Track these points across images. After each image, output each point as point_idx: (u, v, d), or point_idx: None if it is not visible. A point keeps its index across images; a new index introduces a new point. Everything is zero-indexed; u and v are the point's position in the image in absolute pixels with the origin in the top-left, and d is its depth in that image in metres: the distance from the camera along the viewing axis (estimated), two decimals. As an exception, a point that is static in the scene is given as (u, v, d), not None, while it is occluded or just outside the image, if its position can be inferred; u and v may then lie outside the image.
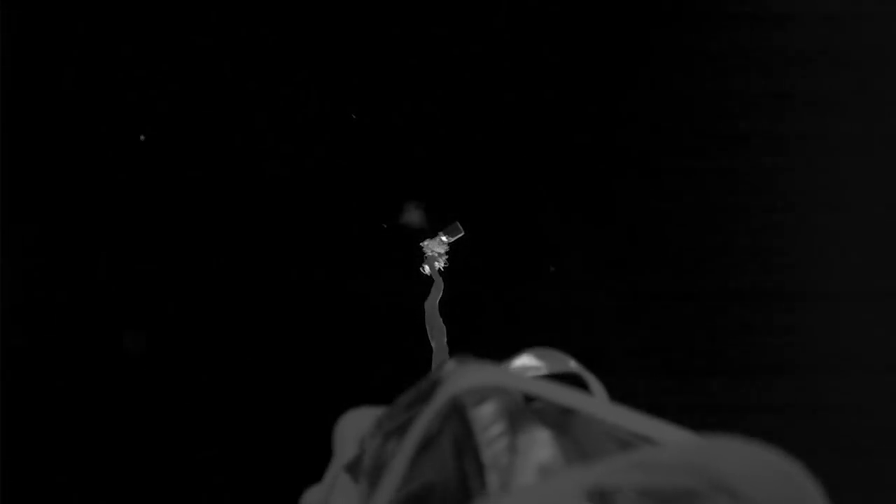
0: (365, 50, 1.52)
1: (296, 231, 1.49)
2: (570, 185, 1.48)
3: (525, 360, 0.76)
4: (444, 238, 1.35)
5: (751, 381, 1.43)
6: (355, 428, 0.76)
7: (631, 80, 1.53)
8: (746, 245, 1.48)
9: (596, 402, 0.65)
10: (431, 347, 1.36)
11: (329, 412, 1.35)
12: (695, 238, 1.49)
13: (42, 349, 1.44)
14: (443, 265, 1.35)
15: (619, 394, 1.48)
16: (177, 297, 1.47)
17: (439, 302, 1.35)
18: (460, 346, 1.39)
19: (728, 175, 1.52)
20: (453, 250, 1.45)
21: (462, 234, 1.38)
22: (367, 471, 0.70)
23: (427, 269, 1.35)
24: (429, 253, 1.36)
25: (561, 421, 0.67)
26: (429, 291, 1.41)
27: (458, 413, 0.65)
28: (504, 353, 1.45)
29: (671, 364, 1.42)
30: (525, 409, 0.66)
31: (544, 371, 0.75)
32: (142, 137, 1.39)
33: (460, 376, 0.65)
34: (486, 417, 0.65)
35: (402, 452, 0.63)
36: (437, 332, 1.28)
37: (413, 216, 1.45)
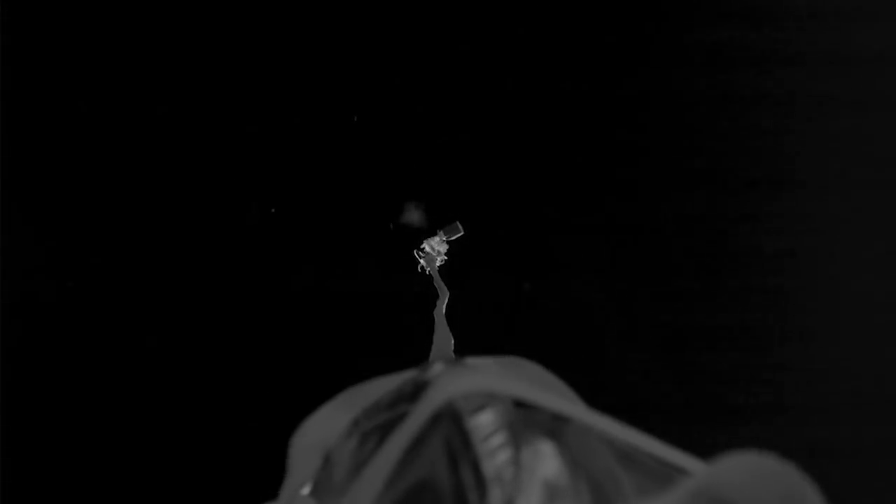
0: (366, 51, 1.52)
1: (296, 231, 1.50)
2: (571, 185, 1.48)
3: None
4: (443, 237, 1.35)
5: (752, 382, 1.43)
6: (315, 438, 0.74)
7: (634, 79, 1.52)
8: (747, 245, 1.48)
9: (593, 414, 0.64)
10: (430, 349, 1.36)
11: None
12: (695, 238, 1.49)
13: (42, 349, 1.44)
14: (440, 263, 1.35)
15: (620, 394, 1.48)
16: (177, 297, 1.48)
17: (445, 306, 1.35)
18: (460, 346, 1.39)
19: (731, 176, 1.51)
20: (452, 250, 1.45)
21: (461, 233, 1.38)
22: (338, 480, 0.69)
23: (426, 266, 1.35)
24: (428, 250, 1.35)
25: (554, 428, 0.66)
26: (427, 291, 1.41)
27: (450, 417, 0.64)
28: (501, 350, 1.45)
29: (671, 364, 1.42)
30: (522, 418, 0.65)
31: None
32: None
33: (453, 379, 0.64)
34: (486, 427, 0.64)
35: (388, 453, 0.62)
36: (443, 341, 1.28)
37: (413, 216, 1.45)
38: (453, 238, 1.43)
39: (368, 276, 1.48)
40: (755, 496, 0.52)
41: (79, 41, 1.47)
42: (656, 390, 1.45)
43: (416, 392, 0.67)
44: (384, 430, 0.67)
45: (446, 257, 1.42)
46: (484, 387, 0.64)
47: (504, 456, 0.62)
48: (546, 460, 0.62)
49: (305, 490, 0.72)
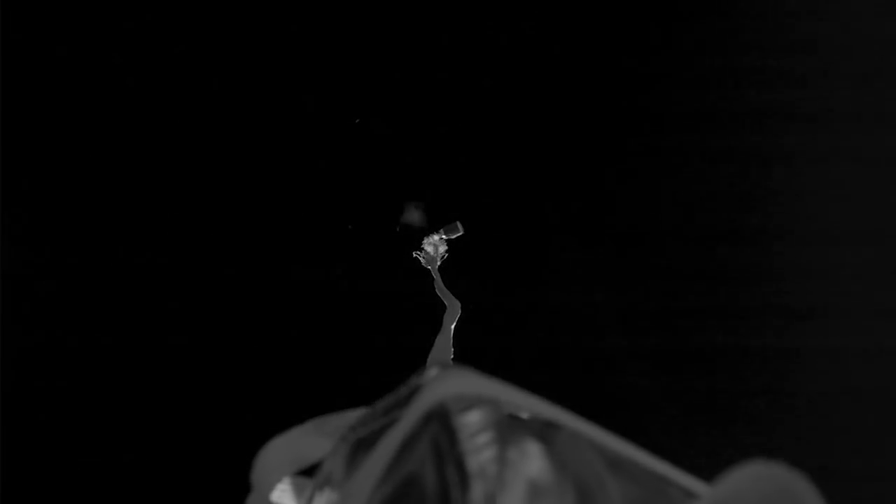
0: (368, 54, 1.52)
1: (296, 231, 1.50)
2: (571, 185, 1.48)
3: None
4: (443, 236, 1.36)
5: (753, 380, 1.43)
6: (284, 457, 0.74)
7: (633, 87, 1.52)
8: (747, 248, 1.48)
9: (583, 422, 0.64)
10: (429, 349, 1.36)
11: (323, 410, 1.36)
12: (696, 238, 1.49)
13: (42, 348, 1.44)
14: (440, 260, 1.36)
15: (621, 395, 1.48)
16: (177, 297, 1.48)
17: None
18: (458, 350, 1.39)
19: (731, 180, 1.52)
20: (452, 251, 1.46)
21: (461, 233, 1.38)
22: (336, 480, 0.68)
23: (427, 265, 1.36)
24: (428, 249, 1.36)
25: (545, 434, 0.66)
26: (426, 290, 1.41)
27: (439, 418, 0.64)
28: (503, 354, 1.45)
29: (672, 364, 1.42)
30: (512, 421, 0.65)
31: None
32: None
33: (445, 381, 0.64)
34: (473, 425, 0.64)
35: (380, 452, 0.62)
36: (443, 347, 1.27)
37: (413, 216, 1.45)
38: (453, 237, 1.43)
39: (370, 276, 1.48)
40: (759, 500, 0.52)
41: (79, 45, 1.47)
42: (656, 387, 1.45)
43: (411, 397, 0.67)
44: (380, 435, 0.67)
45: (446, 255, 1.43)
46: (474, 389, 0.64)
47: (489, 453, 0.62)
48: (531, 460, 0.62)
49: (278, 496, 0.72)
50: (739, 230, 1.34)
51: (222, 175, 1.37)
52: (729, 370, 1.34)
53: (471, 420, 0.63)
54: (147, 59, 1.38)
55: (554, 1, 1.47)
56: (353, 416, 0.68)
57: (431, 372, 0.70)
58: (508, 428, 0.63)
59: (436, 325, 1.35)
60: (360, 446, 0.68)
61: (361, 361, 1.34)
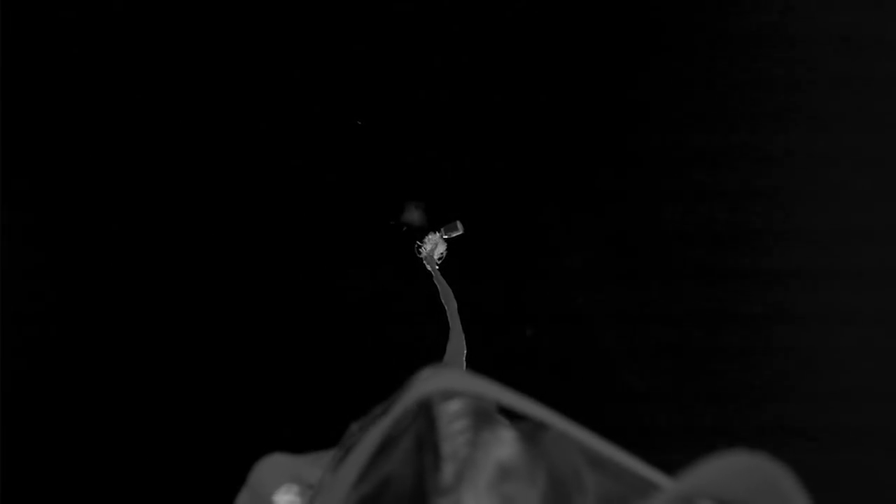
0: (369, 54, 1.52)
1: (296, 231, 1.49)
2: (571, 184, 1.48)
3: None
4: (443, 235, 1.36)
5: (755, 379, 1.42)
6: (279, 468, 0.74)
7: (632, 78, 1.52)
8: (749, 249, 1.48)
9: (566, 422, 0.64)
10: (428, 350, 1.36)
11: (323, 413, 1.36)
12: (696, 239, 1.48)
13: (42, 349, 1.44)
14: (439, 259, 1.36)
15: (620, 394, 1.47)
16: (177, 297, 1.47)
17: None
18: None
19: (733, 182, 1.51)
20: (452, 250, 1.45)
21: (460, 232, 1.38)
22: (325, 484, 0.69)
23: (426, 263, 1.36)
24: (429, 247, 1.36)
25: (532, 433, 0.66)
26: (426, 293, 1.41)
27: (424, 412, 0.64)
28: (502, 354, 1.45)
29: (672, 363, 1.42)
30: (495, 413, 0.66)
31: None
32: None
33: (430, 378, 0.65)
34: (452, 413, 0.64)
35: (359, 451, 0.63)
36: (457, 344, 1.27)
37: (413, 216, 1.45)
38: (453, 236, 1.43)
39: (372, 276, 1.48)
40: (738, 491, 0.52)
41: (79, 46, 1.47)
42: (656, 384, 1.45)
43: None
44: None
45: (444, 253, 1.43)
46: (461, 386, 0.64)
47: (463, 438, 0.62)
48: (504, 445, 0.62)
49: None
50: (742, 230, 1.35)
51: (223, 175, 1.37)
52: (731, 369, 1.34)
53: (451, 408, 0.64)
54: (148, 59, 1.39)
55: (555, 0, 1.48)
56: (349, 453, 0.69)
57: (424, 372, 0.71)
58: (486, 415, 0.64)
59: (437, 326, 1.36)
60: (351, 450, 0.69)
61: (361, 361, 1.35)
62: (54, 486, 1.42)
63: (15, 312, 1.44)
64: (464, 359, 1.30)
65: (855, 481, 1.44)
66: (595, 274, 1.46)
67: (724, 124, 1.50)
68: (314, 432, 1.16)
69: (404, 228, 1.45)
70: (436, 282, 1.35)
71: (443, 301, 1.33)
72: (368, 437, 0.64)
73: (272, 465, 0.78)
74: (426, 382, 0.65)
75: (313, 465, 0.74)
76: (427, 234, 1.45)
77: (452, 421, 0.64)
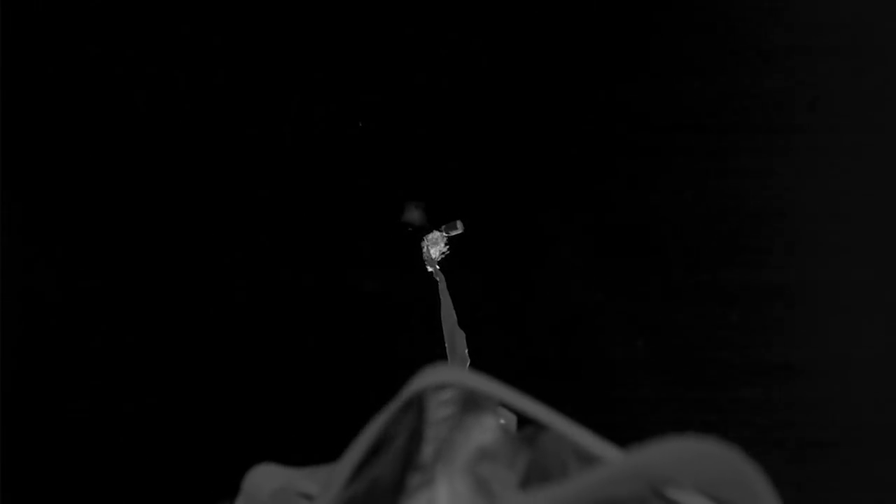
0: (368, 55, 1.51)
1: (297, 230, 1.49)
2: (571, 183, 1.47)
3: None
4: (443, 233, 1.35)
5: (754, 381, 1.42)
6: (266, 481, 0.74)
7: (631, 76, 1.52)
8: (748, 244, 1.48)
9: (562, 420, 0.63)
10: (426, 348, 1.36)
11: (324, 415, 1.35)
12: (696, 237, 1.48)
13: (42, 348, 1.44)
14: (439, 256, 1.35)
15: (621, 393, 1.47)
16: (177, 296, 1.47)
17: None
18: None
19: (732, 173, 1.51)
20: (452, 250, 1.45)
21: (460, 231, 1.38)
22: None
23: (426, 261, 1.35)
24: (429, 244, 1.36)
25: (532, 435, 0.66)
26: (425, 290, 1.41)
27: (417, 405, 0.64)
28: (501, 352, 1.44)
29: (671, 362, 1.42)
30: (486, 402, 0.66)
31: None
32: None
33: (426, 375, 0.65)
34: (441, 401, 0.64)
35: (355, 449, 0.63)
36: (458, 347, 1.27)
37: (413, 215, 1.45)
38: (453, 234, 1.42)
39: (370, 275, 1.48)
40: (697, 477, 0.51)
41: (79, 45, 1.47)
42: (655, 385, 1.44)
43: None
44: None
45: (446, 251, 1.42)
46: (452, 379, 0.64)
47: (447, 423, 0.62)
48: (486, 431, 0.62)
49: None
50: (745, 227, 1.34)
51: (223, 174, 1.37)
52: (731, 371, 1.34)
53: (441, 397, 0.64)
54: (154, 61, 1.39)
55: None
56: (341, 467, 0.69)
57: (422, 371, 0.71)
58: (474, 403, 0.64)
59: (437, 326, 1.35)
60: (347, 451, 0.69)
61: (362, 360, 1.35)
62: (54, 485, 1.42)
63: (14, 312, 1.44)
64: (466, 353, 1.30)
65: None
66: (595, 271, 1.46)
67: (731, 110, 1.50)
68: (316, 440, 1.16)
69: (410, 229, 1.44)
70: (436, 276, 1.35)
71: (441, 296, 1.33)
72: (363, 436, 0.64)
73: (265, 472, 0.78)
74: (422, 378, 0.65)
75: (308, 478, 0.73)
76: (427, 233, 1.45)
77: (440, 408, 0.64)
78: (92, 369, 1.47)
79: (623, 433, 0.68)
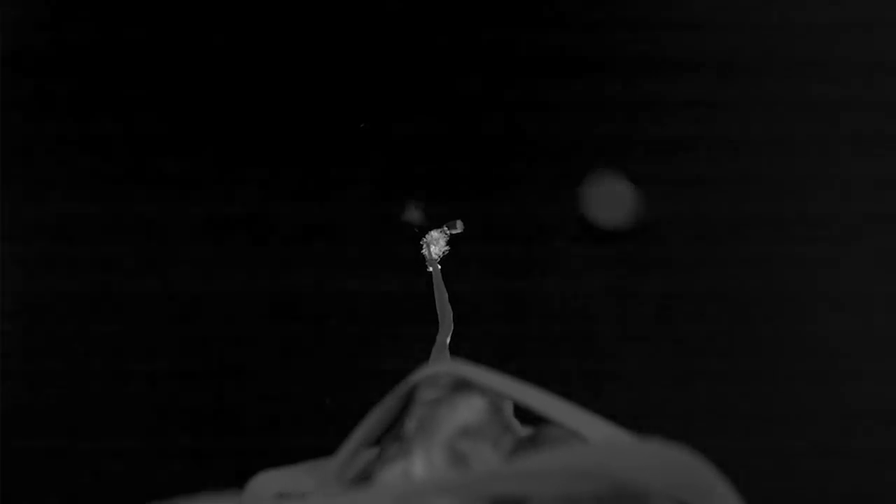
0: (370, 55, 1.52)
1: (298, 230, 1.50)
2: (571, 182, 1.47)
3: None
4: (445, 231, 1.36)
5: (754, 378, 1.42)
6: (269, 484, 0.74)
7: (629, 78, 1.52)
8: (747, 240, 1.48)
9: (563, 407, 0.63)
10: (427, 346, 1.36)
11: (324, 412, 1.35)
12: (695, 233, 1.48)
13: (42, 347, 1.45)
14: (439, 254, 1.36)
15: (619, 392, 1.47)
16: (177, 296, 1.48)
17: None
18: (459, 343, 1.39)
19: (729, 173, 1.51)
20: (452, 249, 1.45)
21: (460, 230, 1.38)
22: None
23: (427, 258, 1.36)
24: (430, 245, 1.36)
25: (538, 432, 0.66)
26: (428, 290, 1.41)
27: (411, 393, 0.65)
28: (501, 351, 1.44)
29: (671, 361, 1.42)
30: (477, 387, 0.66)
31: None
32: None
33: (426, 366, 0.65)
34: (431, 385, 0.65)
35: (351, 441, 0.63)
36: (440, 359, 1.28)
37: (413, 215, 1.46)
38: (454, 233, 1.43)
39: (370, 275, 1.48)
40: (664, 484, 0.51)
41: (82, 37, 1.47)
42: (655, 383, 1.44)
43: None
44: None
45: (448, 248, 1.43)
46: (448, 371, 0.64)
47: (434, 402, 0.62)
48: (473, 410, 0.62)
49: None
50: (744, 219, 1.35)
51: (224, 174, 1.38)
52: (730, 361, 1.34)
53: (432, 380, 0.64)
54: (164, 63, 1.39)
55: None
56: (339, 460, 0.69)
57: (421, 366, 0.71)
58: (464, 385, 0.64)
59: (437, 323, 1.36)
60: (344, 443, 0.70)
61: (361, 359, 1.35)
62: (54, 484, 1.43)
63: (15, 310, 1.44)
64: (451, 321, 1.31)
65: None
66: (594, 269, 1.46)
67: (728, 113, 1.50)
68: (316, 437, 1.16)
69: (416, 230, 1.45)
70: (435, 289, 1.35)
71: (436, 293, 1.33)
72: (360, 429, 0.65)
73: (268, 478, 0.78)
74: (420, 371, 0.65)
75: (309, 472, 0.74)
76: (427, 233, 1.45)
77: (430, 390, 0.64)
78: (92, 370, 1.48)
79: (622, 424, 0.68)
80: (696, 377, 1.40)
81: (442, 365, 0.65)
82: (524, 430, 0.67)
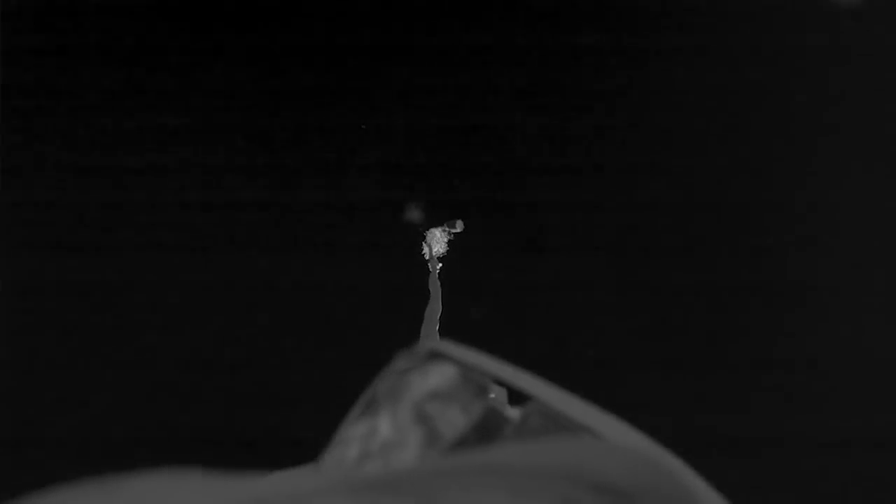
0: (370, 55, 1.52)
1: (297, 230, 1.49)
2: (570, 181, 1.47)
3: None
4: (445, 229, 1.36)
5: (753, 376, 1.42)
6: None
7: (628, 74, 1.52)
8: (746, 239, 1.47)
9: (556, 393, 0.63)
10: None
11: (319, 411, 1.35)
12: (695, 232, 1.48)
13: (42, 346, 1.44)
14: (439, 252, 1.36)
15: (619, 390, 1.47)
16: (176, 295, 1.47)
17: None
18: (455, 332, 1.39)
19: (726, 169, 1.51)
20: (452, 248, 1.45)
21: (460, 230, 1.38)
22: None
23: (427, 255, 1.36)
24: (431, 244, 1.36)
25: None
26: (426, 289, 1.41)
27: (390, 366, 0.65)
28: (501, 349, 1.44)
29: (670, 360, 1.42)
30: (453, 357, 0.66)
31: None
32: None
33: (410, 350, 0.65)
34: (409, 359, 0.65)
35: (340, 430, 0.63)
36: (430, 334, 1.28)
37: (413, 214, 1.45)
38: (454, 231, 1.43)
39: (370, 275, 1.48)
40: (644, 487, 0.50)
41: (83, 38, 1.47)
42: (654, 382, 1.44)
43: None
44: None
45: (448, 246, 1.43)
46: (437, 347, 0.64)
47: (406, 371, 0.63)
48: (445, 377, 0.63)
49: None
50: (745, 220, 1.34)
51: (224, 174, 1.37)
52: (729, 364, 1.33)
53: (411, 358, 0.65)
54: (164, 61, 1.39)
55: None
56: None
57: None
58: (440, 356, 0.64)
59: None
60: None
61: (361, 358, 1.34)
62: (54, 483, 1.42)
63: (14, 311, 1.44)
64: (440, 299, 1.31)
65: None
66: (593, 267, 1.46)
67: (727, 107, 1.50)
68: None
69: (420, 229, 1.45)
70: (430, 280, 1.35)
71: (432, 292, 1.33)
72: (349, 417, 0.65)
73: (271, 481, 0.78)
74: (407, 353, 0.65)
75: (309, 471, 0.74)
76: (427, 232, 1.45)
77: (404, 359, 0.64)
78: (91, 371, 1.47)
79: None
80: (686, 366, 1.40)
81: (429, 346, 0.65)
82: (514, 413, 0.66)
